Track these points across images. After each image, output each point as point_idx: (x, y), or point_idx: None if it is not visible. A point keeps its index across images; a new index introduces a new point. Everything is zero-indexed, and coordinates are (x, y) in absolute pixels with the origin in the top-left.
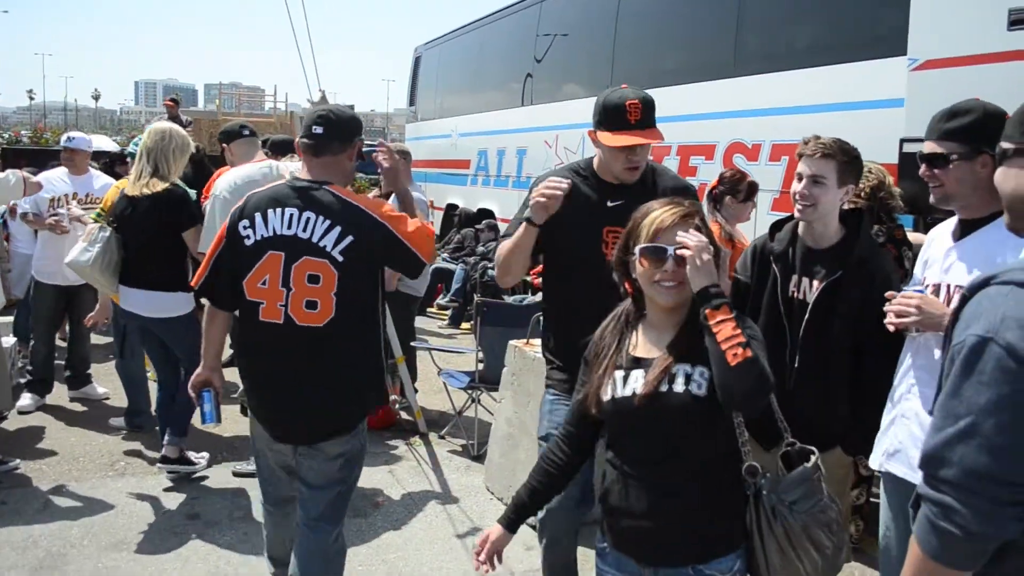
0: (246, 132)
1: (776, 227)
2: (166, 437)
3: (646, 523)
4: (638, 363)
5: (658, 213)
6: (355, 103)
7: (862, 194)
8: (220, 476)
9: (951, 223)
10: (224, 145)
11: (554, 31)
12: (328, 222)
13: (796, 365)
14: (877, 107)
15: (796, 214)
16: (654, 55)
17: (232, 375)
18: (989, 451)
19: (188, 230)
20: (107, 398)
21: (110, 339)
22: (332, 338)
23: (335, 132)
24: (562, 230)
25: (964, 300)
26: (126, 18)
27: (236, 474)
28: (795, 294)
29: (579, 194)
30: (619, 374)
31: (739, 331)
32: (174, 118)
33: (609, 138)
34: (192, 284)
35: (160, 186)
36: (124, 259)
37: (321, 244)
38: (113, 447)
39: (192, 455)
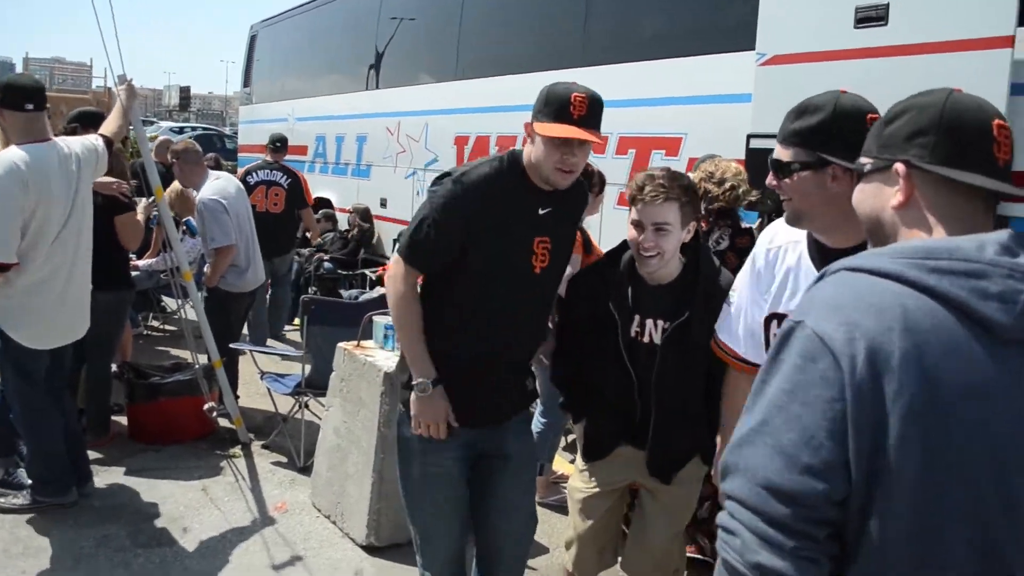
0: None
1: (612, 255)
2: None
3: None
4: None
5: None
6: (192, 84)
7: (721, 196)
8: None
9: (804, 242)
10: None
11: (399, 14)
12: None
13: (654, 406)
14: (725, 101)
15: (639, 266)
16: (501, 42)
17: None
18: (774, 452)
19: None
20: None
21: None
22: None
23: None
24: (491, 235)
25: None
26: None
27: (4, 510)
28: (638, 336)
29: (511, 196)
30: None
31: None
32: None
33: (546, 128)
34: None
35: None
36: None
37: None
38: None
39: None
